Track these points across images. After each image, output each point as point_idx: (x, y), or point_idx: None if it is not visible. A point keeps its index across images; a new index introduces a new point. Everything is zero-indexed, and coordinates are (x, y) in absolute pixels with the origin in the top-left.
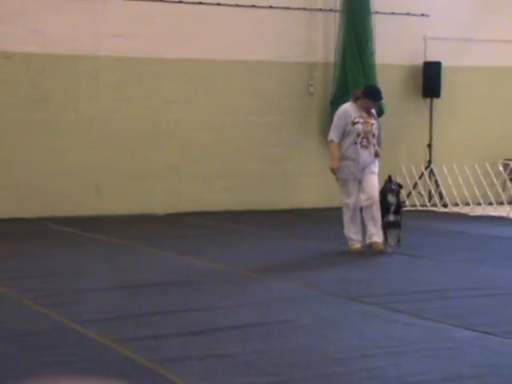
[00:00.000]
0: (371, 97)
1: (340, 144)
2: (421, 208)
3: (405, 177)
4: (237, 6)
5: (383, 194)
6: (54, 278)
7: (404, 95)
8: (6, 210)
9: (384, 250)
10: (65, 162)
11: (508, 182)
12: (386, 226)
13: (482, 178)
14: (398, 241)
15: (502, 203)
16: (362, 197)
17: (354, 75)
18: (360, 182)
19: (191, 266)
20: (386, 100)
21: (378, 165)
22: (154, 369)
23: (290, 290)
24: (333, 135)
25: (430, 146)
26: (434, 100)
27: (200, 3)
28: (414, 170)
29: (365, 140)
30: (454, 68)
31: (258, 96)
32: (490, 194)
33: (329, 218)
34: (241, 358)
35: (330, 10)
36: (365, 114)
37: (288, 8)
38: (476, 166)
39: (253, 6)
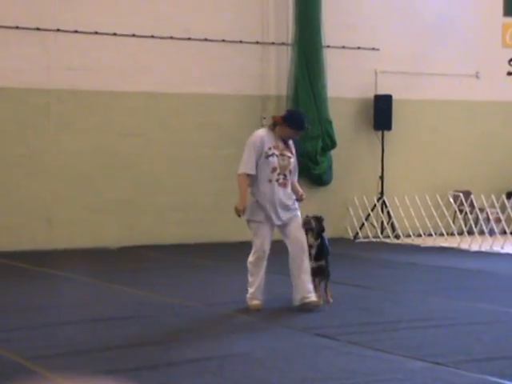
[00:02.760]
0: (294, 125)
1: (250, 180)
2: (373, 239)
3: (357, 208)
4: (189, 39)
5: None
6: (2, 314)
7: (356, 128)
8: None
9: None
10: (15, 195)
11: (458, 213)
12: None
13: (433, 210)
14: (326, 295)
15: (452, 234)
16: (290, 244)
17: (306, 108)
18: (274, 227)
19: (144, 300)
20: (338, 132)
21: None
22: None
23: (243, 322)
24: (246, 167)
25: (381, 177)
26: (386, 132)
27: (153, 37)
28: (366, 202)
29: (282, 177)
30: (405, 101)
31: (212, 129)
32: (440, 225)
33: (280, 250)
34: None
35: (283, 43)
36: (281, 145)
37: (241, 42)
38: (427, 198)
39: (205, 39)
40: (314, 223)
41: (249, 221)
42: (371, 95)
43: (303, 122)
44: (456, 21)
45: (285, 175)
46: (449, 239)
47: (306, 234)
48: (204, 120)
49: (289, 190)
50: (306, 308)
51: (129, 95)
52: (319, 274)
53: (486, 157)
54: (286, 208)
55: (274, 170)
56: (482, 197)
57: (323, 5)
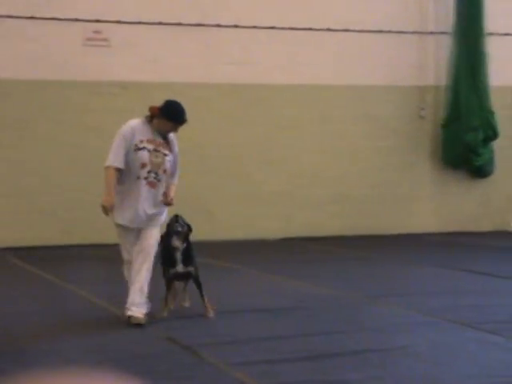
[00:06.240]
0: (171, 117)
1: (119, 175)
2: None
3: None
4: (346, 30)
5: (166, 238)
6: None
7: None
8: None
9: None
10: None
11: None
12: (174, 279)
13: None
14: (206, 309)
15: None
16: (137, 245)
17: (466, 98)
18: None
19: (305, 292)
20: (501, 122)
21: (165, 214)
22: None
23: (404, 315)
24: (114, 161)
25: None
26: None
27: (310, 29)
28: None
29: (152, 175)
30: None
31: (369, 120)
32: None
33: (441, 243)
34: None
35: (442, 32)
36: (159, 140)
37: (398, 32)
38: None
39: (362, 30)
40: (180, 225)
41: (115, 223)
42: None
43: (182, 114)
44: None
45: (156, 174)
46: None
47: (172, 237)
48: (361, 111)
49: (159, 191)
50: (130, 322)
51: (287, 88)
52: (185, 279)
53: None
54: (151, 210)
55: (143, 165)
56: None
57: None
